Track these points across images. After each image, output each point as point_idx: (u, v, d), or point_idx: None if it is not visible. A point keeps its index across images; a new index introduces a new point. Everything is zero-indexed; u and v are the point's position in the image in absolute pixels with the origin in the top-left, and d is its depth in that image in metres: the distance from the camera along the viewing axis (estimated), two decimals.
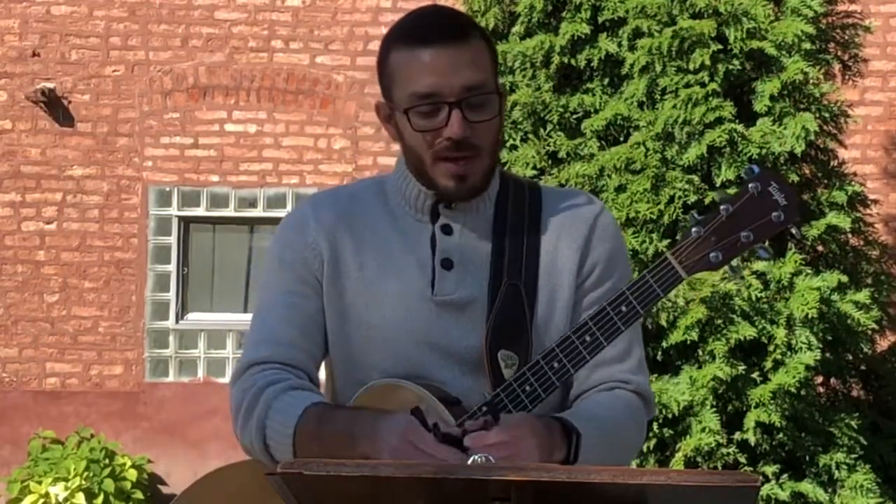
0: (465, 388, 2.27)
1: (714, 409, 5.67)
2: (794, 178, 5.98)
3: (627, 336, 2.29)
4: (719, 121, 5.88)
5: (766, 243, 2.23)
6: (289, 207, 10.04)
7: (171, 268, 10.14)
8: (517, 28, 6.23)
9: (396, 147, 2.37)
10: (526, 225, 2.34)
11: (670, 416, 5.67)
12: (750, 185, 2.20)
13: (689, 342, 5.71)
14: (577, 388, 2.34)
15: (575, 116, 6.13)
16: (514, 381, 2.21)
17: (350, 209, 2.37)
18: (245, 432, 2.27)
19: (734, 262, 2.24)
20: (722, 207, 2.20)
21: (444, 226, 2.33)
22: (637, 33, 6.00)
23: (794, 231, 2.26)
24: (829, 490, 5.82)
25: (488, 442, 2.05)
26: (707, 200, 5.85)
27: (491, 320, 2.28)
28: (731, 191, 5.80)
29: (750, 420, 5.69)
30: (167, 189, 10.13)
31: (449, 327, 2.29)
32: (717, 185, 5.92)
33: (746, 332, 5.68)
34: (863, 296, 5.93)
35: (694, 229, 2.20)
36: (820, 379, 6.13)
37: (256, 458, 2.27)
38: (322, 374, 2.40)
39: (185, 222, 10.20)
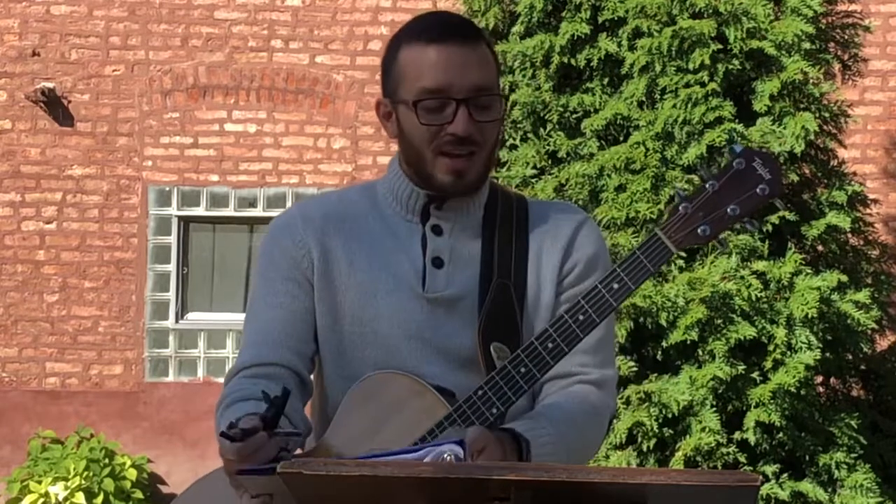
0: (455, 384, 2.29)
1: (714, 409, 5.67)
2: (794, 177, 5.98)
3: (602, 327, 2.31)
4: (719, 120, 5.88)
5: (753, 217, 2.27)
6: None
7: (171, 268, 10.14)
8: (517, 28, 6.22)
9: (396, 147, 2.39)
10: (514, 229, 2.38)
11: (670, 415, 5.66)
12: (734, 162, 2.25)
13: (689, 342, 5.71)
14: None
15: (575, 116, 6.12)
16: (510, 362, 2.24)
17: (339, 210, 2.40)
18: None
19: (721, 236, 2.27)
20: (707, 184, 2.25)
21: (435, 226, 2.37)
22: (637, 33, 6.00)
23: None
24: (829, 490, 5.82)
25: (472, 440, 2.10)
26: None
27: (483, 315, 2.31)
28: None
29: (750, 420, 5.69)
30: (167, 189, 10.13)
31: (440, 323, 2.33)
32: None
33: (746, 331, 5.68)
34: (863, 296, 5.92)
35: (681, 206, 2.25)
36: (820, 379, 6.12)
37: None
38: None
39: (185, 222, 10.19)
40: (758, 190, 2.24)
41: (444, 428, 2.21)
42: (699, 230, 2.23)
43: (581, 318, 2.22)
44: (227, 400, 2.30)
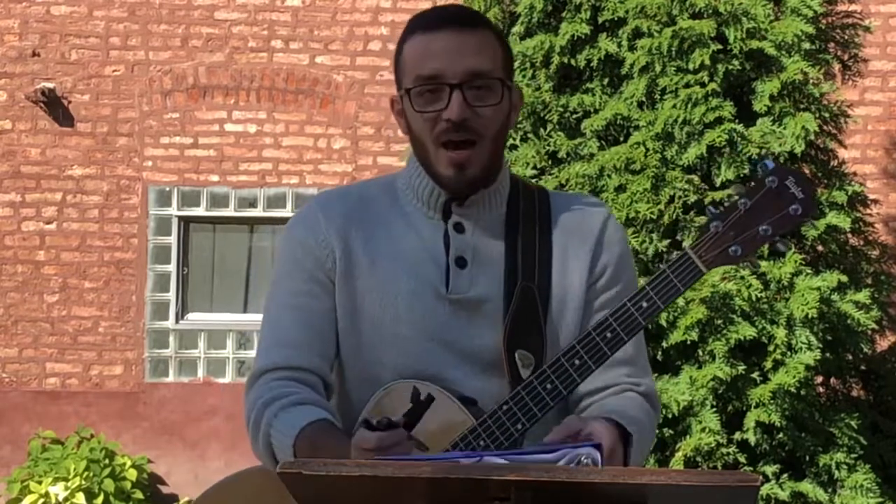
0: (477, 388, 2.27)
1: (714, 409, 5.67)
2: None
3: (635, 338, 2.30)
4: (719, 121, 5.88)
5: (785, 236, 2.24)
6: (289, 207, 10.05)
7: (171, 268, 10.14)
8: (517, 28, 6.22)
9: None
10: (537, 226, 2.34)
11: (670, 416, 5.66)
12: (767, 180, 2.21)
13: (689, 342, 5.71)
14: (584, 386, 2.33)
15: (575, 116, 6.12)
16: (536, 378, 2.21)
17: (359, 207, 2.36)
18: (254, 444, 2.29)
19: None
20: (740, 202, 2.21)
21: (457, 224, 2.32)
22: (637, 33, 6.00)
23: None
24: (829, 490, 5.82)
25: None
26: (707, 200, 5.84)
27: (508, 322, 2.28)
28: (731, 191, 5.80)
29: (750, 420, 5.69)
30: (167, 189, 10.13)
31: (462, 326, 2.29)
32: (717, 185, 5.92)
33: (746, 332, 5.68)
34: (863, 296, 5.92)
35: (713, 224, 2.21)
36: (820, 379, 6.12)
37: (269, 467, 2.27)
38: None
39: (185, 222, 10.20)
40: (790, 210, 2.20)
41: (469, 442, 2.19)
42: (731, 250, 2.20)
43: (609, 335, 2.20)
44: (283, 402, 2.24)
